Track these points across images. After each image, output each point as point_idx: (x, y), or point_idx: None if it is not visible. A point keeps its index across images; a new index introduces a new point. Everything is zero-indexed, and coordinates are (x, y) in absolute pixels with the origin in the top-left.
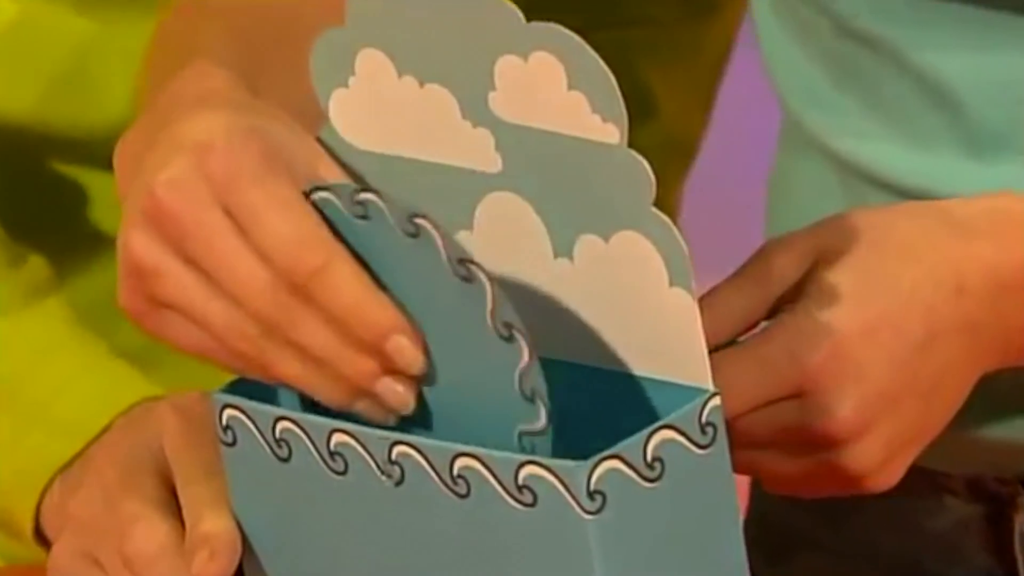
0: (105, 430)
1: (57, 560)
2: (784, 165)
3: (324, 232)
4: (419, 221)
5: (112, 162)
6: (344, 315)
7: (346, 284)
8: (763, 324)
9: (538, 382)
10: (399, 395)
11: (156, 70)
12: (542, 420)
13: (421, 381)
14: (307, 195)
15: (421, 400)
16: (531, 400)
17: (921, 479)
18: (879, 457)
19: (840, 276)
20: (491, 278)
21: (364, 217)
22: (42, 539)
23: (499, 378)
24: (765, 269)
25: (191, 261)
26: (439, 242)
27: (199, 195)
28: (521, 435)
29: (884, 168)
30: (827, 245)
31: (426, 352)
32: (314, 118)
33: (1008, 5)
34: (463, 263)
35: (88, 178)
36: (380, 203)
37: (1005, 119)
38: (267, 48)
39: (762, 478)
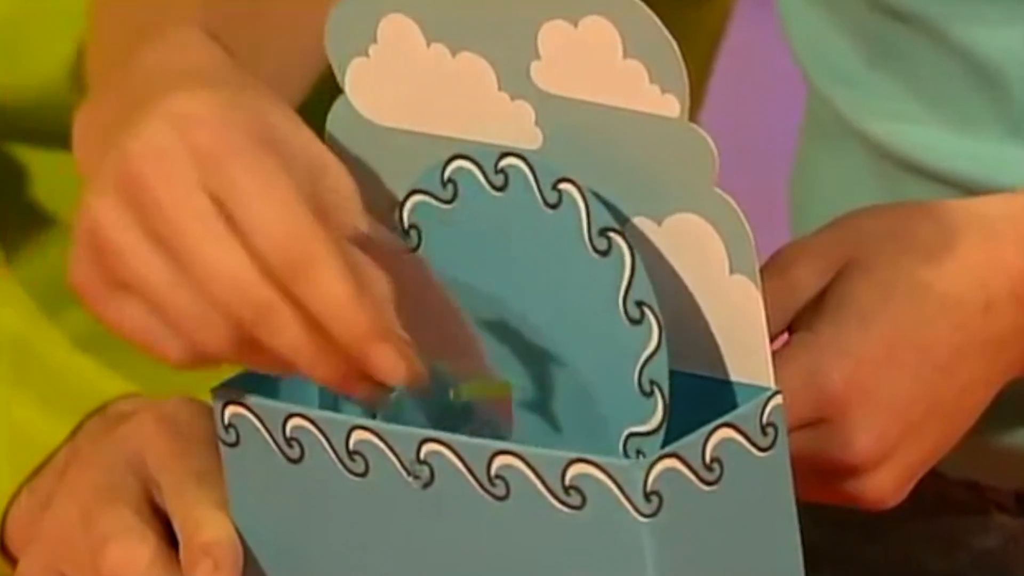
0: (75, 432)
1: None
2: (809, 155)
3: (314, 225)
4: (564, 186)
5: (49, 134)
6: (324, 315)
7: (331, 283)
8: (783, 337)
9: (661, 372)
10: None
11: (114, 30)
12: (657, 418)
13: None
14: (446, 163)
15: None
16: (648, 394)
17: (969, 494)
18: (896, 484)
19: (863, 294)
20: (634, 250)
21: (503, 187)
22: (5, 553)
23: (617, 370)
24: (785, 279)
25: (161, 242)
26: (582, 210)
27: (181, 169)
28: (628, 438)
29: (922, 153)
30: (850, 255)
31: (413, 362)
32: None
33: None
34: (604, 233)
35: (21, 153)
36: (524, 167)
37: None
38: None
39: None
